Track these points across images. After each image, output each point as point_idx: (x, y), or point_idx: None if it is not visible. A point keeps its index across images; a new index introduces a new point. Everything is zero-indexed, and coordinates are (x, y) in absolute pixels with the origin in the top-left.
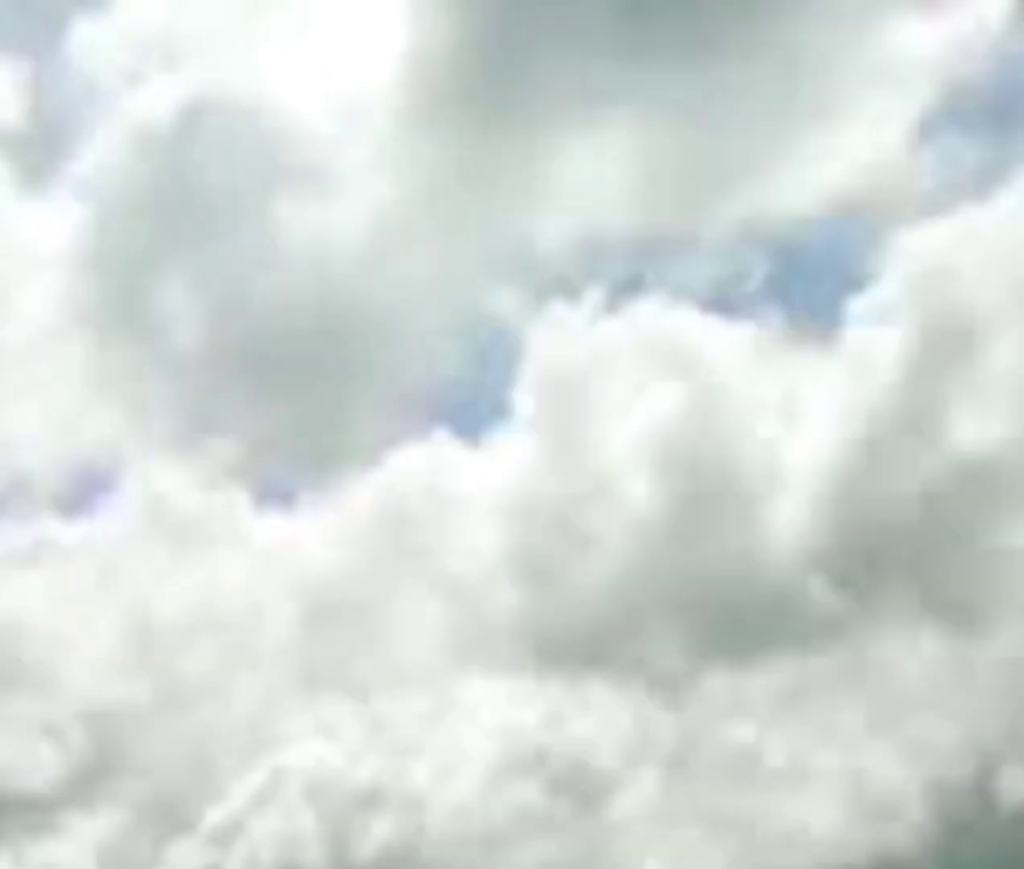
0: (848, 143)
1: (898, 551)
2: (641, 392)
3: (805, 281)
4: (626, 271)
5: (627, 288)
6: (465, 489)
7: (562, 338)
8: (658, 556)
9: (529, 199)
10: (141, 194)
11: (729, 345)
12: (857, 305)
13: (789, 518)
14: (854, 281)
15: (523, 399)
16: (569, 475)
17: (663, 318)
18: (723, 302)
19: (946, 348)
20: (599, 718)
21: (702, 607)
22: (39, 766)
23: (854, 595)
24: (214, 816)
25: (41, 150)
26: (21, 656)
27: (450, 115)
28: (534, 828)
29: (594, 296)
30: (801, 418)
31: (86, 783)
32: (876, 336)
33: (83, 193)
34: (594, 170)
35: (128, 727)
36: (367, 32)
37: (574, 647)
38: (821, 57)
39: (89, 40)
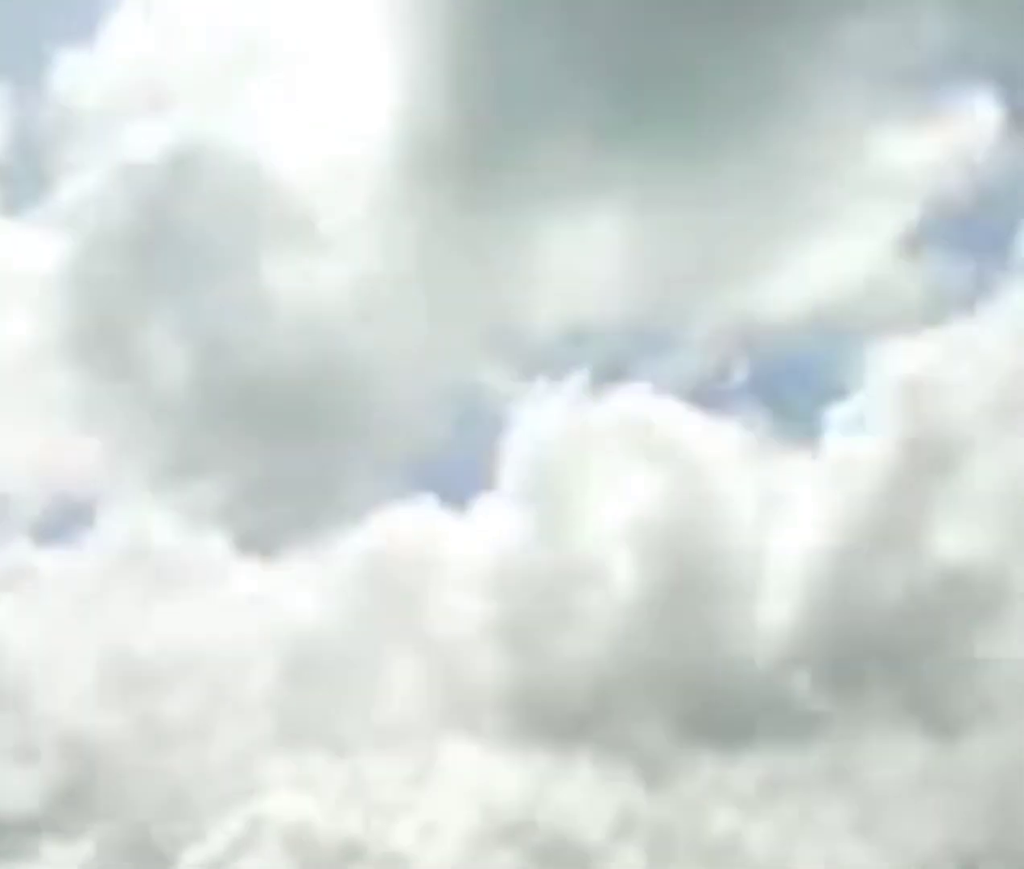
0: (837, 251)
1: (879, 653)
2: (624, 476)
3: (787, 385)
4: (610, 358)
5: (611, 375)
6: (450, 555)
7: (546, 417)
8: (642, 636)
9: (517, 276)
10: (124, 230)
11: (712, 439)
12: (838, 413)
13: (772, 613)
14: (836, 390)
15: (507, 472)
16: (553, 550)
17: (647, 407)
18: (705, 398)
19: (926, 459)
20: (583, 792)
21: (687, 691)
22: (15, 791)
23: (836, 693)
24: (192, 858)
25: (23, 178)
26: None
27: (440, 182)
28: None
29: (578, 378)
30: (783, 517)
31: (63, 810)
32: (856, 445)
33: (66, 224)
34: (582, 255)
35: (106, 758)
36: (358, 91)
37: (559, 719)
38: (813, 164)
39: (73, 72)
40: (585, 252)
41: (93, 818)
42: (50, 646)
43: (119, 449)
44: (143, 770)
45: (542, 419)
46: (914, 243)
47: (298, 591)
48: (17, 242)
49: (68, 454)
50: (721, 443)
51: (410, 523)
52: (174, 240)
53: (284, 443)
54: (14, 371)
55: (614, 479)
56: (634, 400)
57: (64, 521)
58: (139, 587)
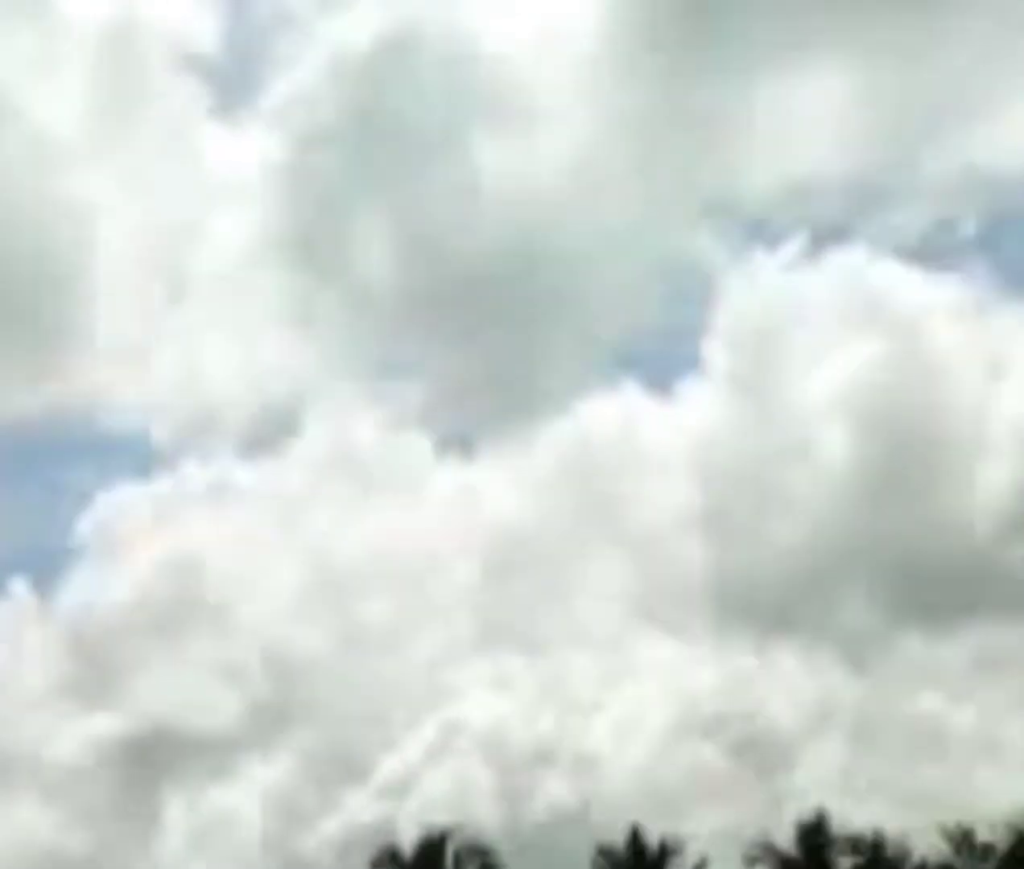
0: None
1: None
2: (840, 346)
3: (1018, 238)
4: (832, 218)
5: (831, 236)
6: (653, 443)
7: (760, 286)
8: (852, 517)
9: (734, 141)
10: (335, 125)
11: (933, 301)
12: None
13: (993, 484)
14: None
15: (716, 350)
16: (761, 430)
17: (867, 269)
18: (929, 253)
19: None
20: (783, 682)
21: (896, 571)
22: (217, 708)
23: None
24: (388, 767)
25: (235, 76)
26: (201, 596)
27: (655, 53)
28: (711, 793)
29: (796, 243)
30: (1009, 381)
31: (263, 727)
32: None
33: (276, 122)
34: (803, 113)
35: (305, 672)
36: None
37: (760, 608)
38: None
39: None
40: (804, 109)
41: (291, 733)
42: (254, 560)
43: (325, 352)
44: (341, 681)
45: (755, 289)
46: None
47: (498, 489)
48: (227, 142)
49: (274, 362)
50: (943, 303)
51: (612, 412)
52: (385, 130)
53: (489, 335)
54: (221, 277)
55: (828, 350)
56: (854, 262)
57: (268, 430)
58: (340, 495)
